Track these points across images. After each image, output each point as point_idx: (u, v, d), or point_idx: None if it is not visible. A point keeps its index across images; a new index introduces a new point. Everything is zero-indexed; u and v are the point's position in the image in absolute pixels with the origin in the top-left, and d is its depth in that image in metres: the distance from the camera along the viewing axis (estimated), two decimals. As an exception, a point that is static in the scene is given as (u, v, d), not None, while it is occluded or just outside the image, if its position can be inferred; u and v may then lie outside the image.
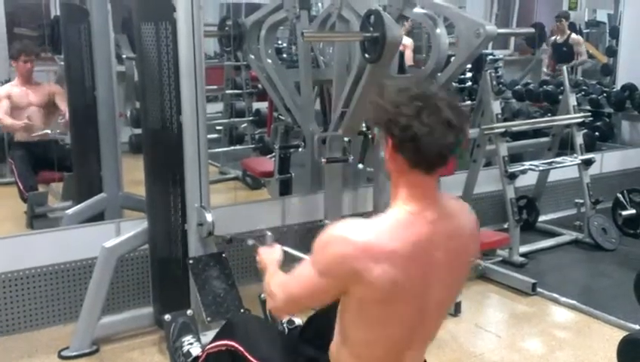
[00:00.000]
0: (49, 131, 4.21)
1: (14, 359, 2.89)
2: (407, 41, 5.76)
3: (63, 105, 4.17)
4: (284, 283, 1.66)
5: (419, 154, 1.46)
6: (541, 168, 4.36)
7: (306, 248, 4.17)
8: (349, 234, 1.47)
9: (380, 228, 1.48)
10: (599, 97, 5.86)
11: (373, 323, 1.54)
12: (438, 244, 1.51)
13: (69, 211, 3.64)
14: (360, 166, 4.07)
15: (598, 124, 5.69)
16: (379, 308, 1.51)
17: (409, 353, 1.63)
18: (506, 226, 4.14)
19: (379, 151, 3.37)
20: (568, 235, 4.45)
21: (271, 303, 1.68)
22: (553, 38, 6.86)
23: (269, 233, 2.26)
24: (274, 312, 1.74)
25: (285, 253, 1.99)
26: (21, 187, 4.07)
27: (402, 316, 1.53)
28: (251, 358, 1.82)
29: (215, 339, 2.00)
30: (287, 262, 1.94)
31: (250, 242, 2.30)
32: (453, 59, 3.25)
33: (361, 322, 1.55)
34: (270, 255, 1.93)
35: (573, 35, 6.77)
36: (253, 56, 3.92)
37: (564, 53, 6.73)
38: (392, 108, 1.47)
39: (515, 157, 4.48)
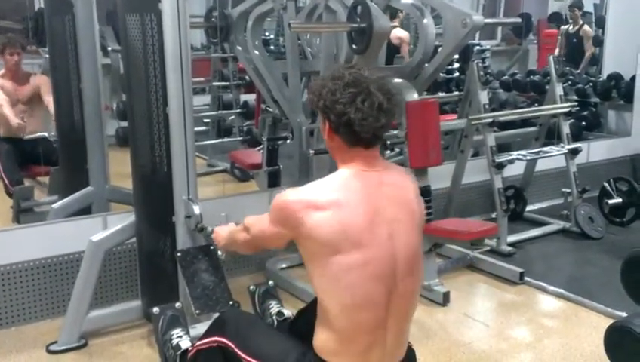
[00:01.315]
0: (46, 134, 4.17)
1: (2, 354, 2.87)
2: (403, 33, 5.65)
3: (48, 97, 4.13)
4: (253, 223, 1.90)
5: (355, 136, 1.62)
6: (528, 158, 4.38)
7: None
8: (292, 193, 1.67)
9: (322, 184, 1.67)
10: (585, 87, 5.89)
11: (343, 281, 1.61)
12: (384, 194, 1.65)
13: (56, 205, 3.61)
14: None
15: (585, 113, 5.73)
16: (341, 259, 1.60)
17: (391, 320, 1.67)
18: (493, 216, 4.16)
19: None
20: (555, 224, 4.48)
21: (242, 235, 1.96)
22: (566, 27, 6.84)
23: (223, 214, 2.49)
24: (243, 243, 1.98)
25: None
26: (6, 181, 4.04)
27: (369, 268, 1.60)
28: (242, 354, 1.82)
29: (205, 335, 2.00)
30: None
31: (210, 228, 2.40)
32: (440, 49, 3.26)
33: (333, 283, 1.62)
34: (224, 228, 2.18)
35: (585, 27, 6.75)
36: (240, 48, 3.90)
37: (573, 45, 6.73)
38: (328, 95, 1.61)
39: (503, 147, 4.50)
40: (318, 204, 1.62)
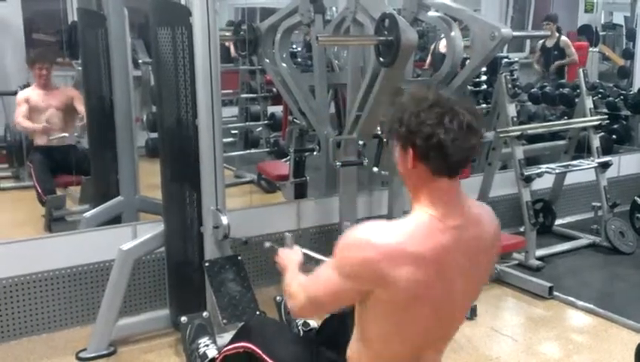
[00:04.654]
0: (67, 134, 4.26)
1: (33, 360, 2.92)
2: None
3: (81, 107, 4.23)
4: (306, 284, 1.64)
5: (444, 160, 1.46)
6: (557, 171, 4.33)
7: (323, 251, 4.19)
8: (373, 238, 1.46)
9: (404, 231, 1.47)
10: (616, 100, 5.80)
11: (393, 323, 1.54)
12: (460, 250, 1.51)
13: (87, 214, 3.68)
14: (375, 169, 4.06)
15: (615, 126, 5.63)
16: (400, 309, 1.51)
17: (428, 352, 1.64)
18: (522, 230, 4.12)
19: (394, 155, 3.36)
20: (585, 239, 4.41)
21: (292, 304, 1.66)
22: (542, 41, 6.79)
23: (289, 234, 2.15)
24: (295, 313, 1.72)
25: (305, 255, 1.94)
26: (39, 190, 4.12)
27: (420, 317, 1.54)
28: (268, 360, 1.83)
29: (232, 341, 2.01)
30: (307, 264, 1.90)
31: (268, 244, 2.23)
32: (468, 62, 3.25)
33: (381, 322, 1.55)
34: (290, 256, 1.88)
35: (563, 38, 6.72)
36: (268, 60, 3.94)
37: (555, 56, 6.69)
38: (412, 118, 1.46)
39: (531, 160, 4.46)
40: (405, 255, 1.44)
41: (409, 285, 1.46)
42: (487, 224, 1.60)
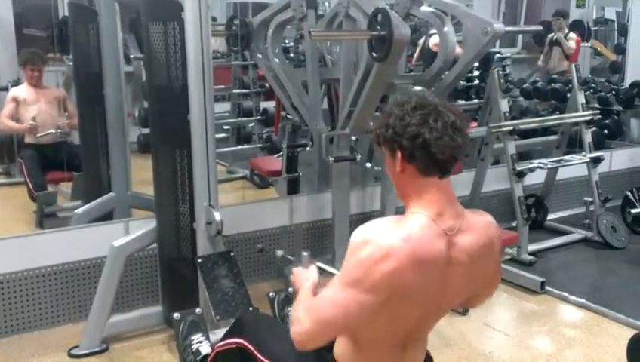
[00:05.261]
0: (53, 131, 4.25)
1: (25, 357, 2.91)
2: None
3: (72, 109, 4.25)
4: (312, 306, 1.52)
5: (431, 160, 1.47)
6: (549, 166, 4.34)
7: (317, 248, 4.18)
8: (394, 246, 1.42)
9: (414, 236, 1.44)
10: (608, 95, 5.82)
11: (383, 323, 1.53)
12: (456, 251, 1.51)
13: (79, 210, 3.66)
14: (368, 165, 4.07)
15: (607, 121, 5.66)
16: (393, 312, 1.49)
17: (411, 342, 1.64)
18: (514, 225, 4.13)
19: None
20: (577, 233, 4.43)
21: (294, 330, 1.51)
22: (551, 36, 6.82)
23: (306, 253, 2.02)
24: (297, 341, 1.52)
25: (320, 270, 1.85)
26: (30, 186, 4.10)
27: (411, 315, 1.54)
28: (260, 356, 1.83)
29: (225, 337, 2.01)
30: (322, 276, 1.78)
31: (280, 253, 2.18)
32: (460, 57, 3.25)
33: (371, 325, 1.53)
34: (305, 276, 1.73)
35: (571, 34, 6.76)
36: (260, 56, 3.92)
37: (563, 52, 6.73)
38: (397, 121, 1.49)
39: (524, 156, 4.47)
40: (421, 262, 1.43)
41: (418, 292, 1.46)
42: (482, 228, 1.57)
